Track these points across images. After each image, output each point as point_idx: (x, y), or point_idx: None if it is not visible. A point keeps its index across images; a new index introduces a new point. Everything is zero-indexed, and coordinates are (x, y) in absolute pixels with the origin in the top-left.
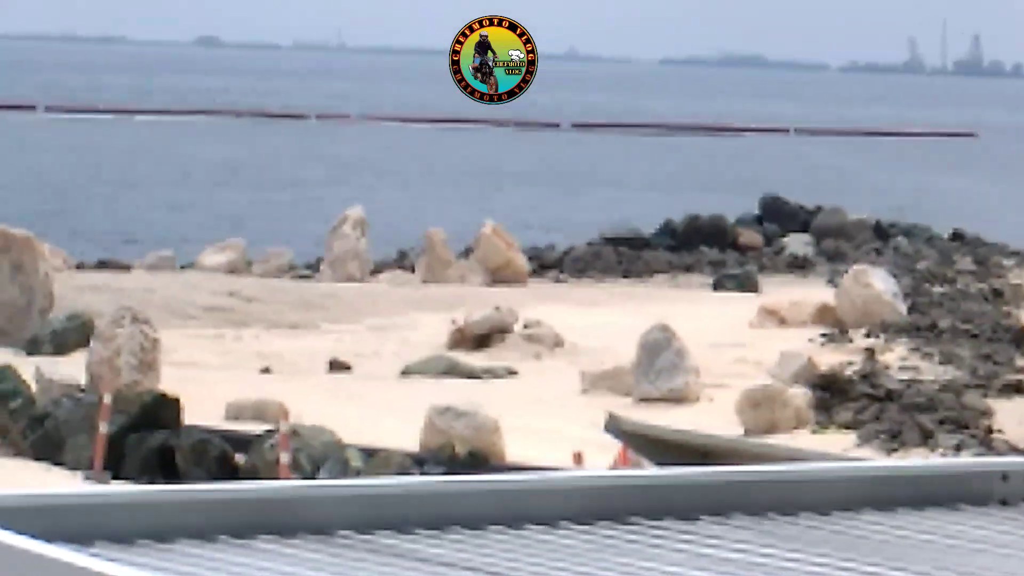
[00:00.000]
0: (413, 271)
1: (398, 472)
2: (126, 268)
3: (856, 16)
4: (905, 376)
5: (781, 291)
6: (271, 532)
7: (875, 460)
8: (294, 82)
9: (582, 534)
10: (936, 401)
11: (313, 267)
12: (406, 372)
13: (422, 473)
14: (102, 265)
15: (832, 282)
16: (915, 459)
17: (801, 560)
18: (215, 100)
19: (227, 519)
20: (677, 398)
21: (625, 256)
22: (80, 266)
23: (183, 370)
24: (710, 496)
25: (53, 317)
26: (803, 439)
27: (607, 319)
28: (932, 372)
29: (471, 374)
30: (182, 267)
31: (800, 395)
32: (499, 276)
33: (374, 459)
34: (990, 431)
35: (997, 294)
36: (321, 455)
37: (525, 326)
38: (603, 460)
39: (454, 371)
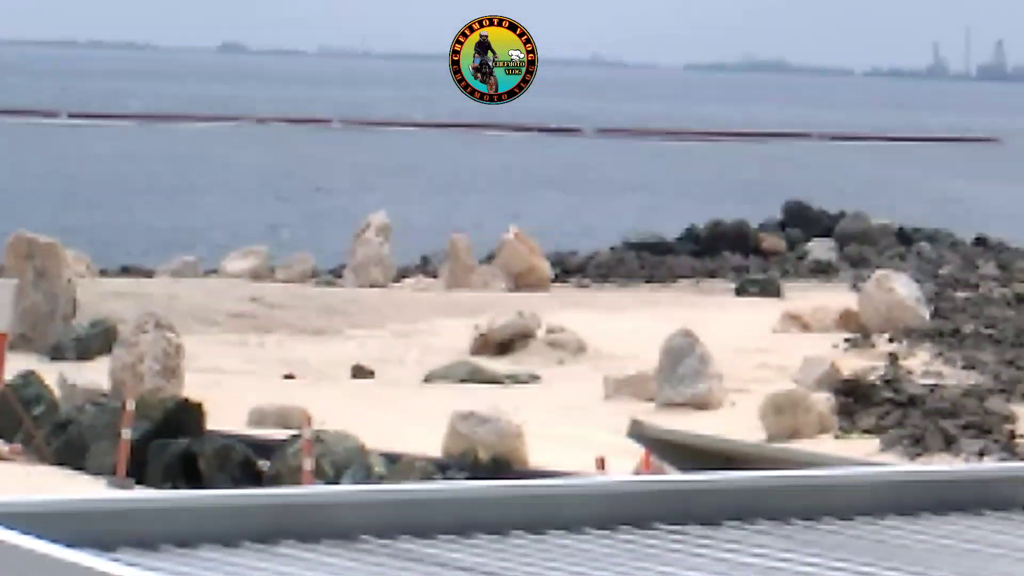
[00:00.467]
0: (436, 277)
1: (421, 478)
2: (149, 274)
3: (880, 22)
4: (928, 381)
5: (804, 296)
6: (294, 537)
7: (898, 465)
8: (318, 88)
9: (604, 539)
10: (959, 406)
11: (336, 273)
12: (429, 378)
13: (445, 479)
14: (125, 271)
15: (855, 287)
16: (938, 464)
17: (820, 565)
18: (239, 106)
19: (250, 525)
20: (700, 403)
21: (648, 261)
22: (104, 272)
23: (206, 376)
24: (733, 501)
25: (77, 323)
26: (826, 444)
27: (630, 324)
28: (955, 377)
29: (494, 380)
30: (205, 273)
31: (823, 400)
32: (522, 282)
33: (397, 465)
34: (1013, 436)
35: (1020, 299)
36: (344, 461)
37: (548, 331)
38: (626, 465)
39: (477, 377)
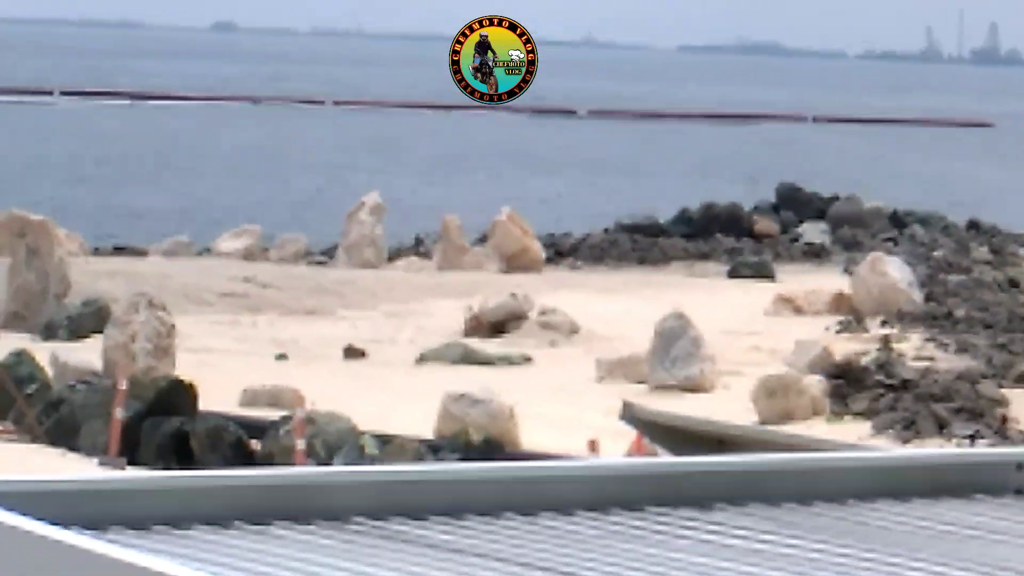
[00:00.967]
0: (429, 258)
1: (413, 459)
2: (142, 253)
3: (873, 4)
4: (920, 365)
5: (797, 279)
6: (286, 518)
7: (890, 449)
8: (311, 67)
9: (595, 521)
10: (951, 390)
11: (329, 253)
12: (422, 359)
13: (437, 460)
14: (118, 250)
15: (848, 270)
16: (930, 448)
17: (802, 547)
18: (231, 85)
19: (242, 505)
20: (692, 386)
21: (641, 244)
22: (96, 251)
23: (199, 356)
24: (725, 484)
25: (69, 302)
26: (818, 428)
27: (623, 306)
28: (947, 361)
29: (486, 361)
30: (198, 253)
31: (815, 384)
32: (515, 263)
33: (389, 446)
34: (1005, 420)
35: (1013, 283)
36: (336, 442)
37: (541, 313)
38: (618, 448)
39: (469, 358)
